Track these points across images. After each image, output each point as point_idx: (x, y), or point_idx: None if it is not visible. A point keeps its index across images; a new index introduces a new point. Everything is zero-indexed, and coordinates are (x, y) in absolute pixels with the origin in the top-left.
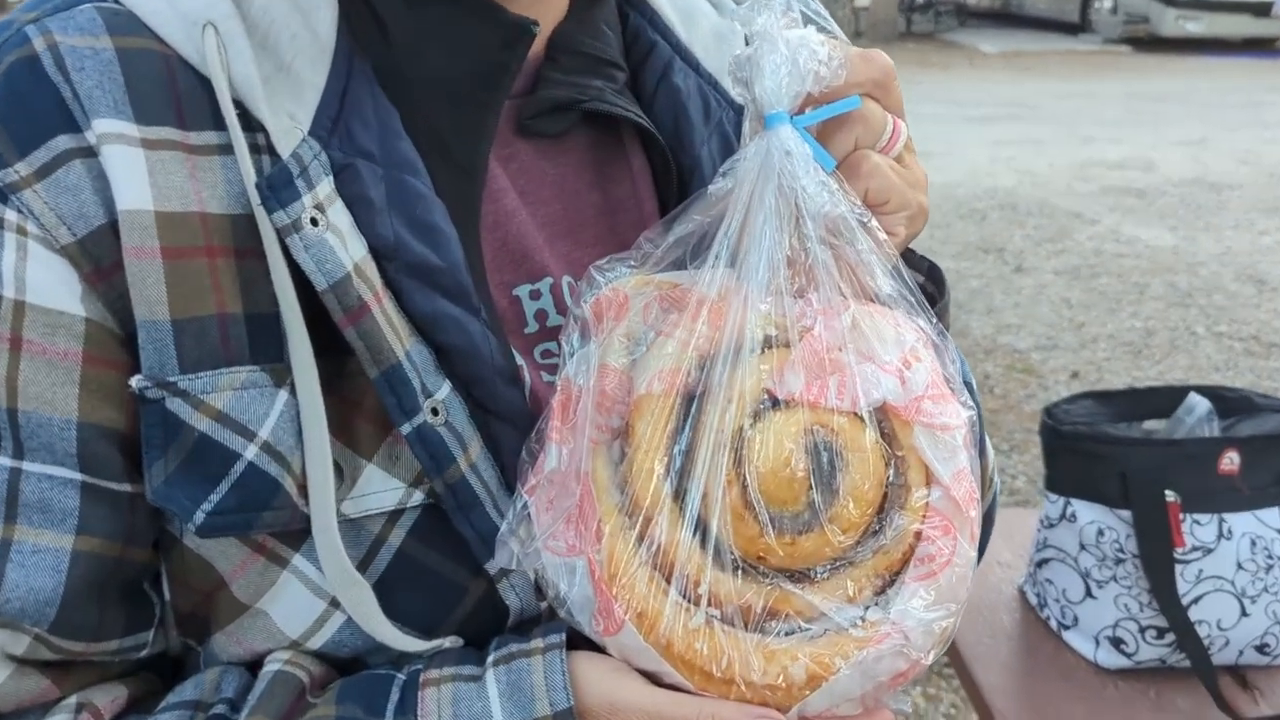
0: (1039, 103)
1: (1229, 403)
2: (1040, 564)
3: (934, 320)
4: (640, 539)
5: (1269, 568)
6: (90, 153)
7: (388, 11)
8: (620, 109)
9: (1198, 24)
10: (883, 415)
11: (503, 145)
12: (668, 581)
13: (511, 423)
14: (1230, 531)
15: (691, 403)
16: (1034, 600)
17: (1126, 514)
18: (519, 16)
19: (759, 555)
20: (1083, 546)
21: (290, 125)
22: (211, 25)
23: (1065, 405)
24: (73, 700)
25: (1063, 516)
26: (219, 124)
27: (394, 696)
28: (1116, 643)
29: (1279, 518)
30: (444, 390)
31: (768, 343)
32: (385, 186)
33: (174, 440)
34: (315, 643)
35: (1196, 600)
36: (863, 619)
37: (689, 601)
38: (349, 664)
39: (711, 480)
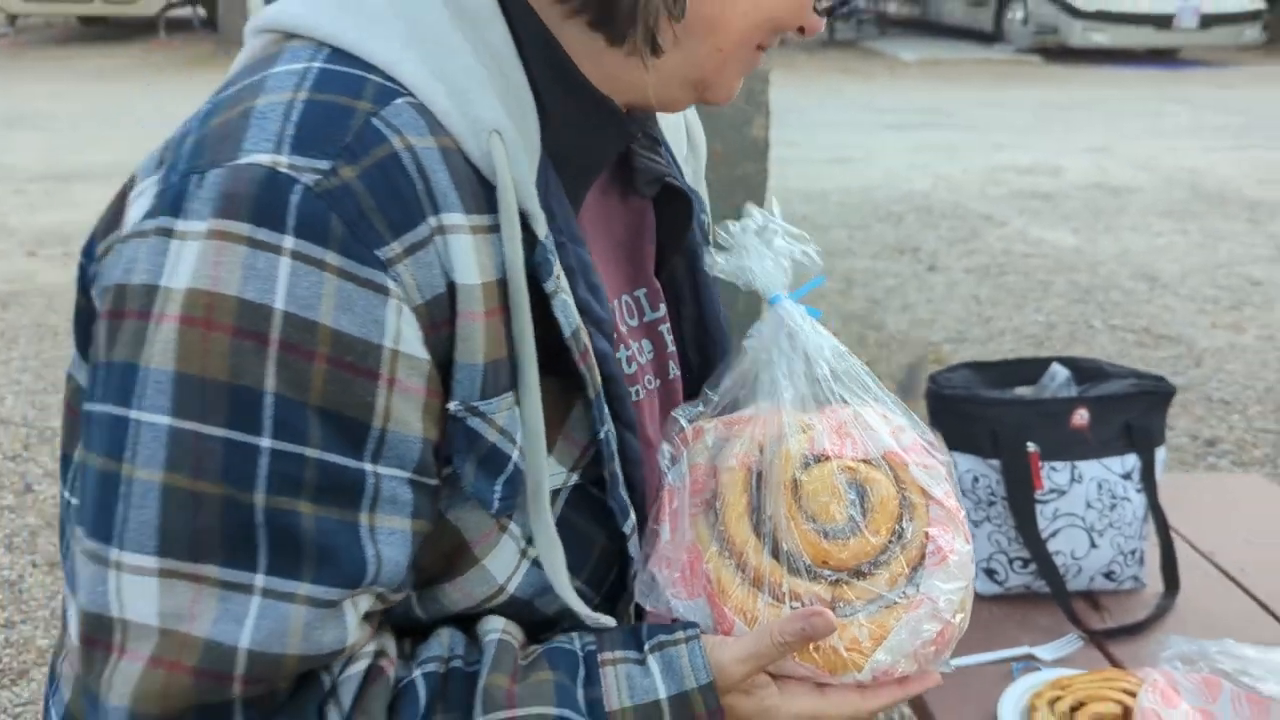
0: (955, 110)
1: (1084, 370)
2: None
3: (904, 409)
4: (738, 567)
5: (1113, 506)
6: (439, 233)
7: (551, 97)
8: (686, 186)
9: (1103, 35)
10: (886, 460)
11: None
12: (759, 591)
13: (629, 427)
14: (1081, 476)
15: (756, 475)
16: None
17: (996, 463)
18: (631, 123)
19: (823, 561)
20: (962, 492)
21: (538, 209)
22: (497, 133)
23: (947, 374)
24: (372, 646)
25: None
26: (492, 208)
27: (580, 671)
28: (990, 573)
29: (1120, 465)
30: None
31: (802, 429)
32: (575, 258)
33: (472, 448)
34: (511, 585)
35: (1054, 534)
36: (904, 594)
37: (777, 601)
38: (523, 606)
39: (778, 515)
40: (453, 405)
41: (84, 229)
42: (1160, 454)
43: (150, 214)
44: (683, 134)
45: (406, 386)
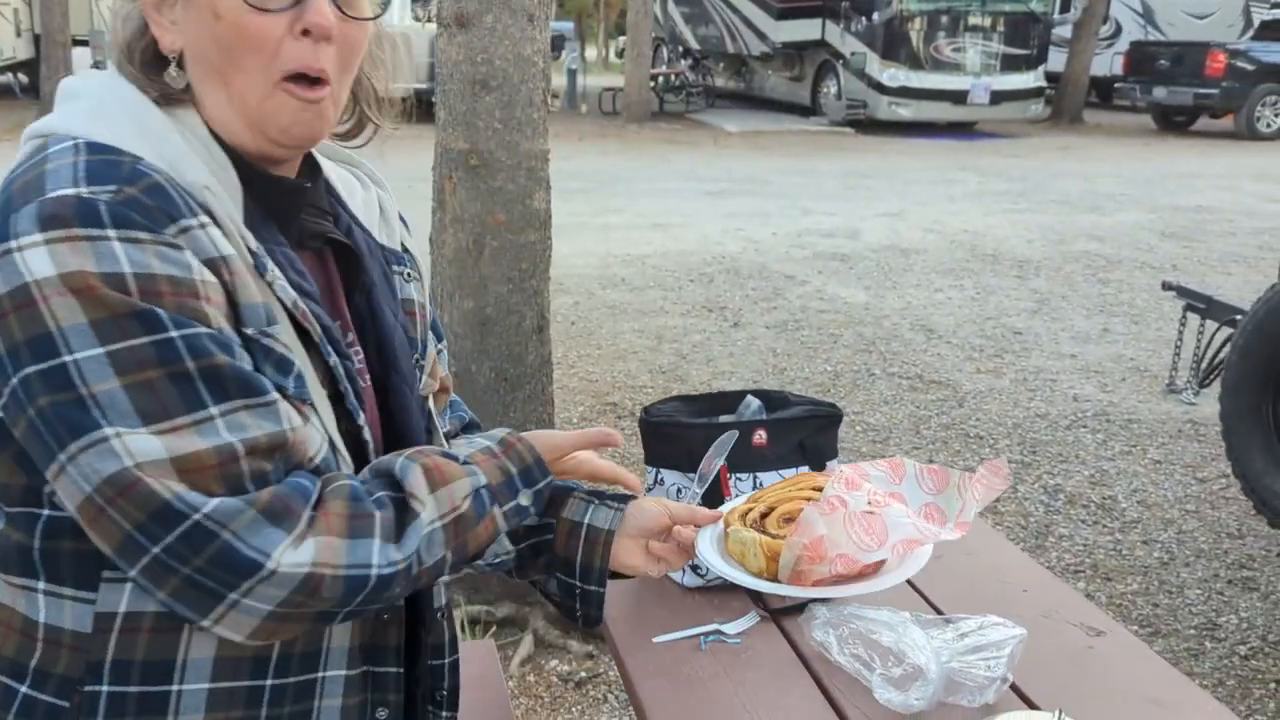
0: (770, 178)
1: (773, 400)
2: None
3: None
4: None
5: None
6: (203, 226)
7: (236, 164)
8: (341, 238)
9: (907, 109)
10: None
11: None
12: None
13: (348, 359)
14: (761, 484)
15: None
16: None
17: (694, 475)
18: (278, 180)
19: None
20: (675, 499)
21: (244, 230)
22: (207, 188)
23: (659, 405)
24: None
25: (656, 482)
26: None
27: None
28: (695, 568)
29: (794, 474)
30: None
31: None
32: (283, 257)
33: (268, 358)
34: (318, 456)
35: None
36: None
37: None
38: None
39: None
40: (249, 331)
41: None
42: (831, 465)
43: None
44: (375, 212)
45: (215, 301)
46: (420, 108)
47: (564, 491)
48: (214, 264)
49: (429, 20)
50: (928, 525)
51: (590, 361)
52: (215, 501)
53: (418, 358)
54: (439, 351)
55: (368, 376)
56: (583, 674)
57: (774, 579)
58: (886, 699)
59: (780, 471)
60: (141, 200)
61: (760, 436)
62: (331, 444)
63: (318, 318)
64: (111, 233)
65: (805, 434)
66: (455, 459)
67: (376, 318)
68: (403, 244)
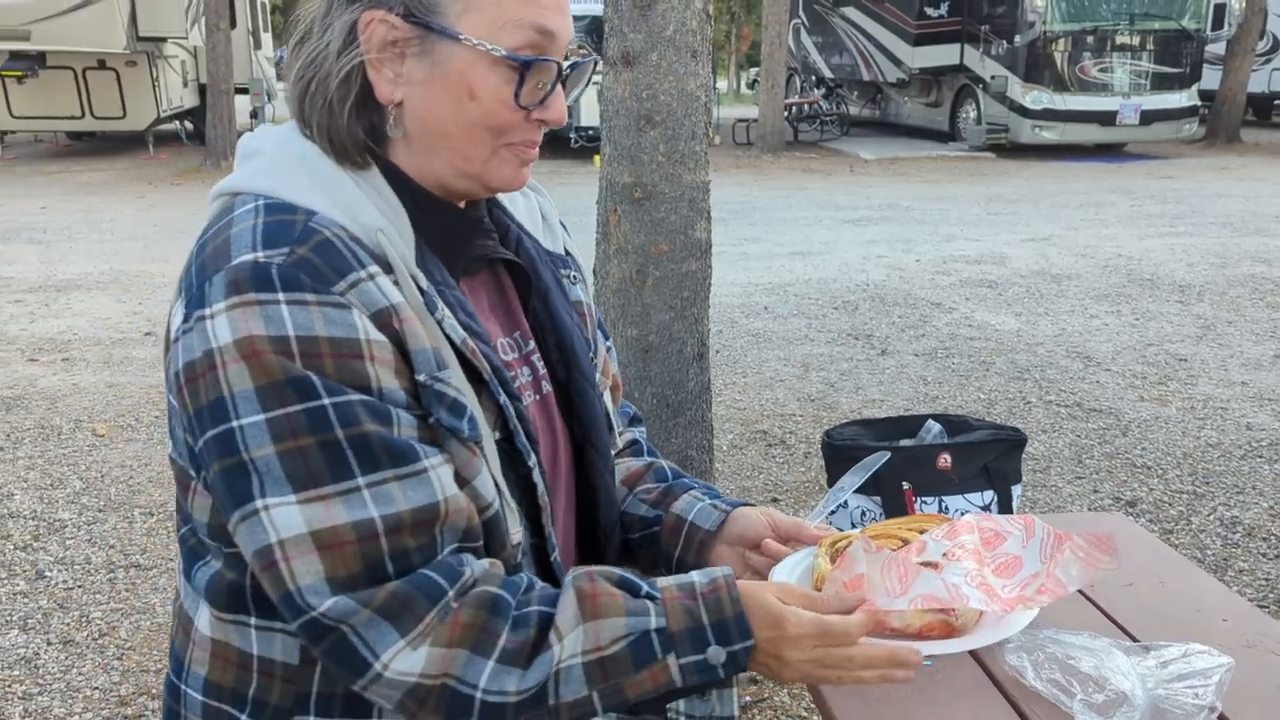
0: (910, 205)
1: (954, 424)
2: None
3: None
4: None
5: None
6: (371, 277)
7: (409, 206)
8: (510, 257)
9: (1052, 132)
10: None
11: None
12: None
13: (516, 399)
14: (947, 508)
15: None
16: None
17: (879, 499)
18: (461, 216)
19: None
20: (853, 525)
21: (417, 271)
22: (381, 231)
23: (840, 429)
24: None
25: (840, 504)
26: (392, 270)
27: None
28: None
29: (980, 499)
30: None
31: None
32: (453, 299)
33: (441, 402)
34: (495, 504)
35: None
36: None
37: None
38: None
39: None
40: (421, 377)
41: (81, 336)
42: (1016, 490)
43: (186, 319)
44: (538, 218)
45: (382, 359)
46: (549, 145)
47: (682, 487)
48: (383, 314)
49: None
50: (969, 590)
51: (737, 390)
52: (330, 601)
53: (592, 356)
54: (608, 349)
55: (548, 383)
56: (747, 699)
57: None
58: None
59: (965, 495)
60: (311, 260)
61: (945, 460)
62: (498, 488)
63: (487, 358)
64: (281, 296)
65: (989, 458)
66: (632, 587)
67: (555, 321)
68: (565, 248)
